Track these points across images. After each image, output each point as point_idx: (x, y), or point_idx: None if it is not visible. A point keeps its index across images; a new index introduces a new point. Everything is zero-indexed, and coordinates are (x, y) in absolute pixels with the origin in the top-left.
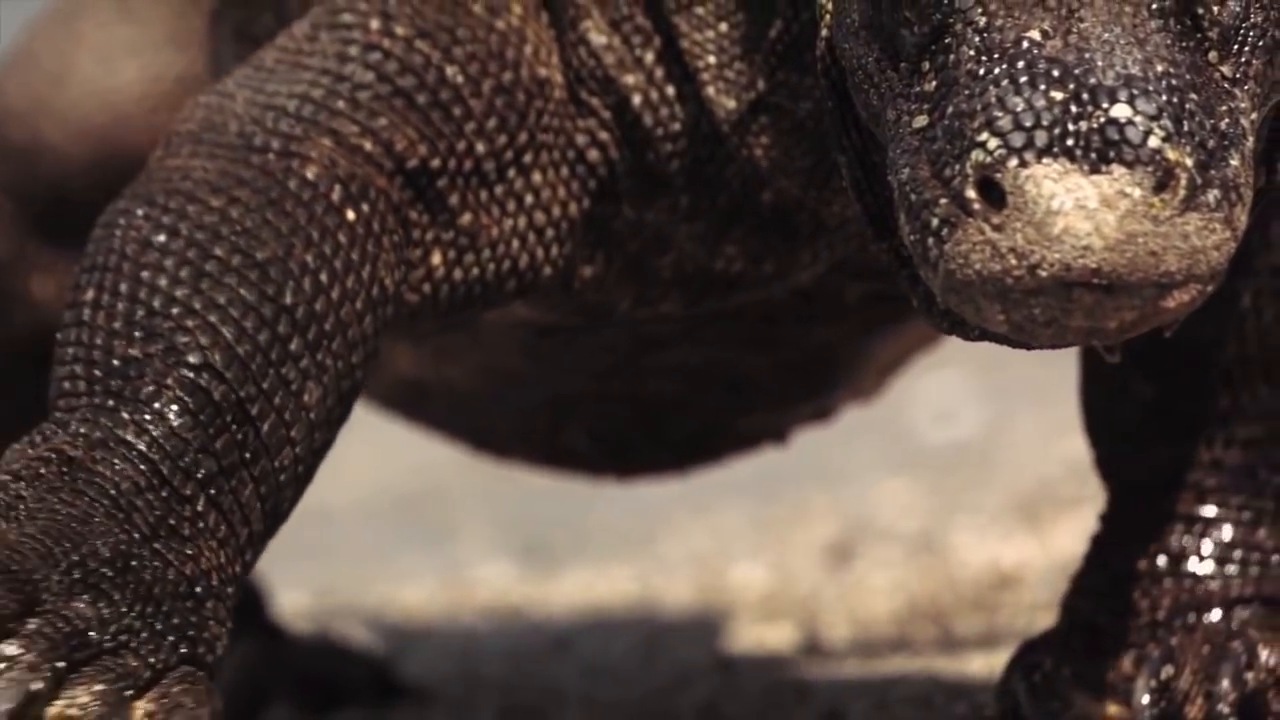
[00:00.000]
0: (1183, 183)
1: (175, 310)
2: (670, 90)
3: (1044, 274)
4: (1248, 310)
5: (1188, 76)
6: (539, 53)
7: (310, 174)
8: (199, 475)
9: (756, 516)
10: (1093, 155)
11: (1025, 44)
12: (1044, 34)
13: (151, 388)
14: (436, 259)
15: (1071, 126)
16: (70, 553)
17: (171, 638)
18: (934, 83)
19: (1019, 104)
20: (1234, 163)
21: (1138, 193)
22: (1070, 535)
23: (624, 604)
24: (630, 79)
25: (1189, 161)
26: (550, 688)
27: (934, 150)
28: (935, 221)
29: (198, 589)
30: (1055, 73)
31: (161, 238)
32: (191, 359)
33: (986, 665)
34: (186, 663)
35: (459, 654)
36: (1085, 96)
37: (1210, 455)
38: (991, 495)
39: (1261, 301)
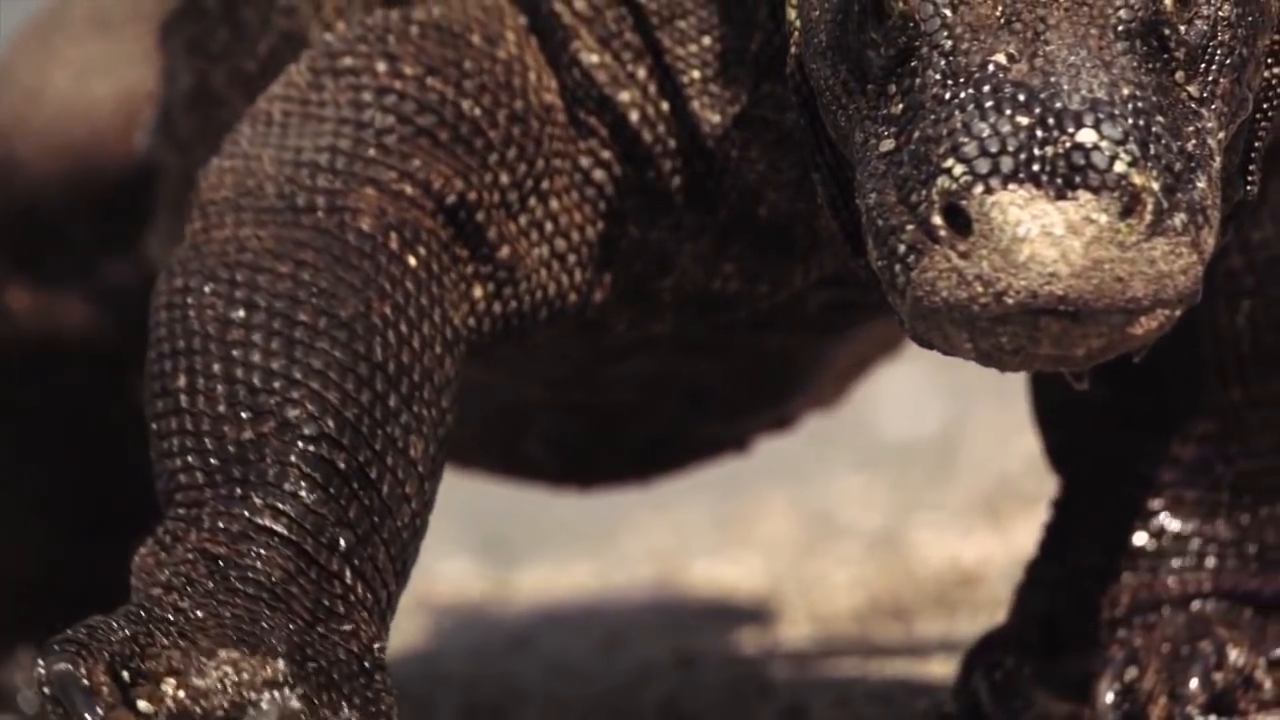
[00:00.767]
0: (1149, 207)
1: (277, 384)
2: (665, 106)
3: (1010, 301)
4: (1202, 309)
5: (1154, 98)
6: (541, 78)
7: (366, 226)
8: (341, 549)
9: (717, 513)
10: (1059, 181)
11: (991, 68)
12: (1010, 57)
13: (277, 468)
14: (479, 293)
15: (1037, 152)
16: (249, 657)
17: (358, 717)
18: (901, 106)
19: (984, 129)
20: (1201, 185)
21: (1104, 218)
22: (1031, 532)
23: (584, 600)
24: (625, 95)
25: (1155, 185)
26: (511, 685)
27: (900, 175)
28: (902, 248)
29: (366, 663)
30: (1021, 97)
31: (241, 312)
32: (308, 431)
33: (947, 662)
34: None
35: (419, 652)
36: (1051, 121)
37: (1165, 450)
38: (953, 492)
39: (1216, 302)
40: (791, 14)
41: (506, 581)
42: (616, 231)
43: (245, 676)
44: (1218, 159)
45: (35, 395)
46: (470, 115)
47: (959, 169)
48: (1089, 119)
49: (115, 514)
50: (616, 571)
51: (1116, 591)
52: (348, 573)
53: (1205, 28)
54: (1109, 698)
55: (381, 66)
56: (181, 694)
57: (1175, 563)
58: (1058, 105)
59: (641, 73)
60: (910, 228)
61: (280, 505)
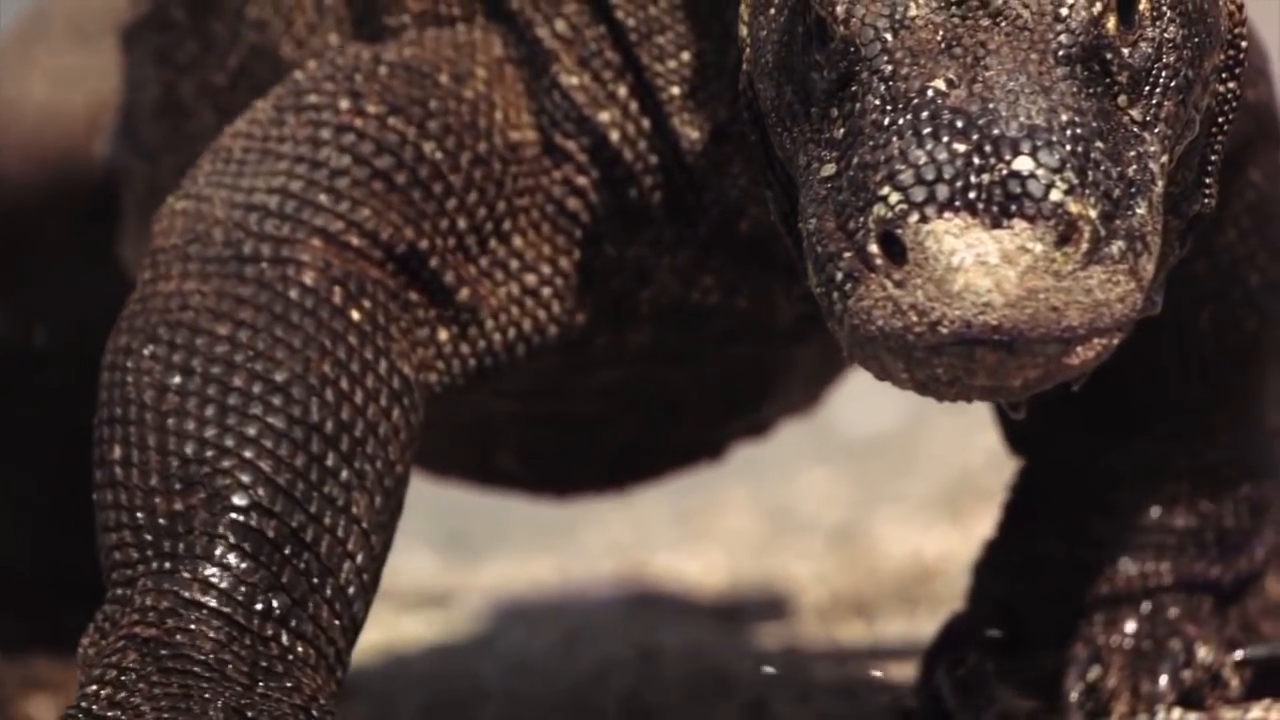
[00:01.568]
0: (1086, 236)
1: (210, 453)
2: (646, 123)
3: (945, 331)
4: (1167, 312)
5: (1094, 124)
6: (508, 116)
7: (309, 280)
8: (275, 614)
9: (678, 507)
10: (995, 209)
11: (930, 93)
12: (949, 83)
13: (205, 540)
14: (443, 335)
15: (974, 179)
16: None
17: None
18: (842, 130)
19: (921, 157)
20: (1140, 211)
21: (1039, 248)
22: (992, 526)
23: (545, 596)
24: (605, 116)
25: (1093, 213)
26: (472, 682)
27: (840, 201)
28: (839, 275)
29: (313, 713)
30: (959, 124)
31: (177, 379)
32: (237, 500)
33: (909, 656)
34: None
35: (379, 647)
36: (988, 149)
37: (1127, 442)
38: (914, 486)
39: (1181, 304)
40: (744, 30)
41: (467, 576)
42: (592, 254)
43: None
44: (1160, 183)
45: (12, 397)
46: (431, 158)
47: (895, 197)
48: (1026, 146)
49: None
50: (577, 566)
51: (1078, 583)
52: (284, 635)
53: (1150, 50)
54: (1074, 696)
55: (344, 104)
56: None
57: (1136, 554)
58: (995, 132)
59: (622, 91)
60: (847, 255)
61: (209, 577)
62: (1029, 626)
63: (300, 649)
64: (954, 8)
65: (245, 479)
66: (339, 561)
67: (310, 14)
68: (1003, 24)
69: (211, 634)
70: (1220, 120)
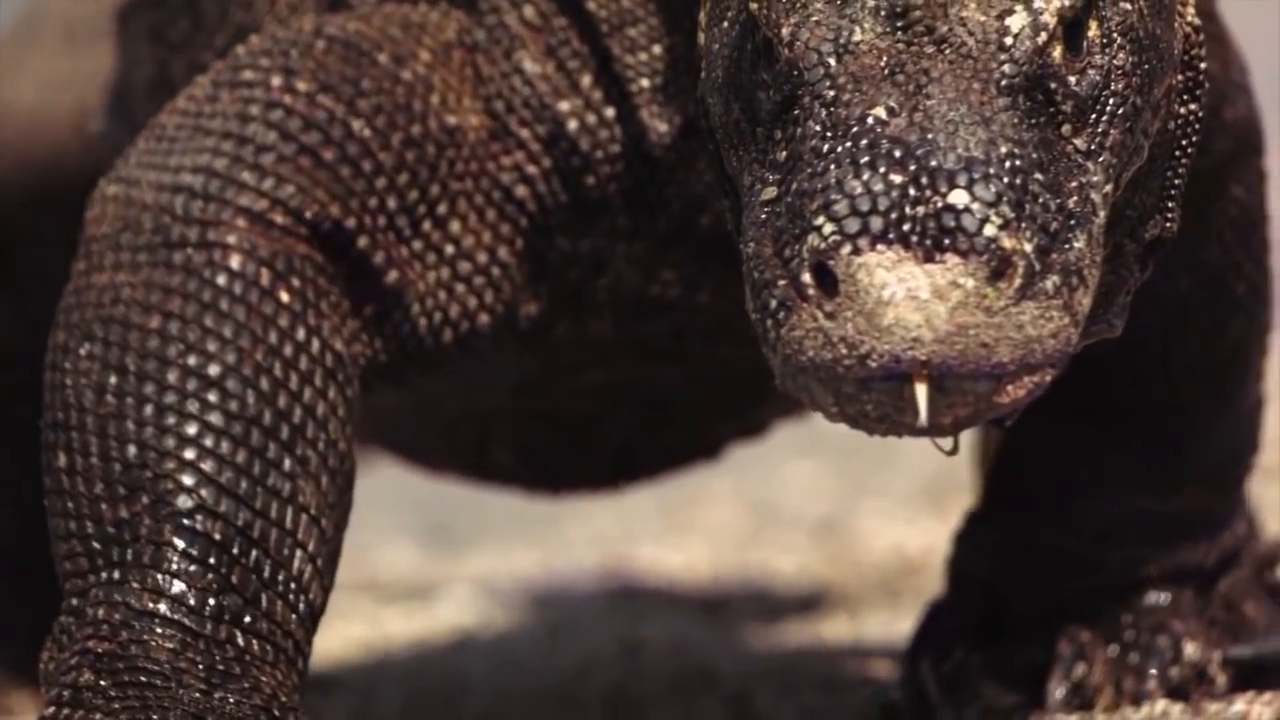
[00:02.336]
0: (1020, 271)
1: (150, 456)
2: (609, 113)
3: (874, 365)
4: (1153, 326)
5: (1034, 155)
6: (446, 100)
7: (235, 264)
8: (228, 615)
9: (661, 500)
10: (928, 243)
11: (870, 121)
12: (890, 111)
13: (152, 548)
14: (367, 312)
15: (908, 212)
16: None
17: None
18: (784, 153)
19: (857, 187)
20: (1078, 244)
21: (971, 283)
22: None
23: (528, 589)
24: (566, 105)
25: (1028, 248)
26: (455, 674)
27: (778, 227)
28: (774, 303)
29: (275, 712)
30: (896, 154)
31: (113, 379)
32: (181, 504)
33: (892, 649)
34: None
35: (361, 641)
36: (924, 180)
37: (1114, 440)
38: (897, 479)
39: (1168, 319)
40: (701, 39)
41: (450, 569)
42: (543, 244)
43: None
44: (1102, 214)
45: (9, 394)
46: (359, 136)
47: (829, 228)
48: (962, 179)
49: None
50: (560, 559)
51: (1063, 571)
52: (239, 635)
53: (1098, 78)
54: (1059, 694)
55: (276, 80)
56: None
57: (1122, 544)
58: (932, 164)
59: (586, 80)
60: (782, 283)
61: (159, 585)
62: (1012, 609)
63: (257, 647)
64: (899, 33)
65: (187, 481)
66: (290, 552)
67: None
68: (947, 51)
69: (166, 642)
70: (1183, 143)
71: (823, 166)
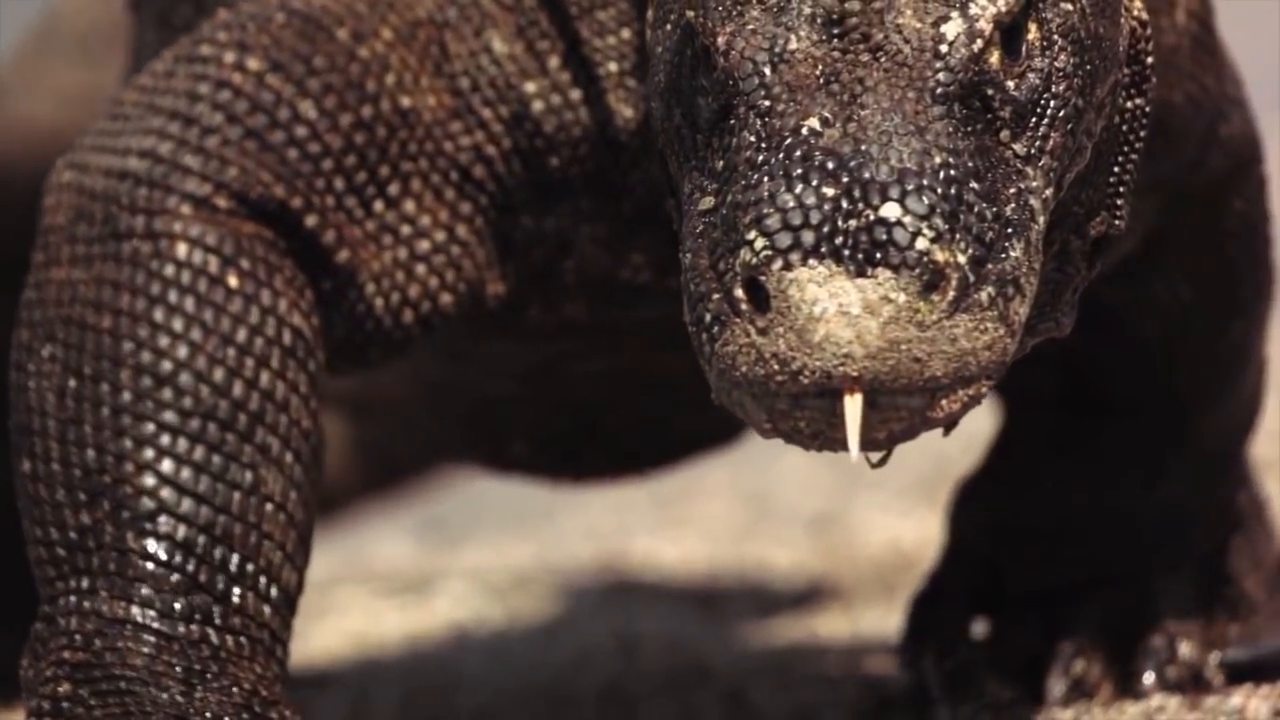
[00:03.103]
0: (953, 284)
1: (109, 460)
2: (575, 94)
3: (805, 381)
4: (1155, 333)
5: (970, 164)
6: (403, 80)
7: (181, 254)
8: (199, 615)
9: (656, 492)
10: (859, 257)
11: (804, 132)
12: (824, 121)
13: (116, 555)
14: (326, 286)
15: (840, 225)
16: None
17: None
18: (721, 163)
19: (789, 201)
20: (1015, 253)
21: (902, 298)
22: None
23: (523, 581)
24: (532, 86)
25: (961, 260)
26: (450, 669)
27: (713, 239)
28: (708, 317)
29: (256, 708)
30: (829, 165)
31: (72, 383)
32: (142, 507)
33: (888, 644)
34: None
35: (356, 635)
36: (857, 193)
37: (1115, 434)
38: (893, 473)
39: (1169, 326)
40: (649, 36)
41: (445, 563)
42: (507, 223)
43: None
44: (1042, 218)
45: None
46: (306, 118)
47: (760, 242)
48: (895, 191)
49: None
50: (556, 552)
51: (1065, 560)
52: (213, 633)
53: (1037, 81)
54: (1058, 691)
55: (229, 58)
56: None
57: (1123, 535)
58: (865, 176)
59: (554, 62)
60: (716, 297)
61: (126, 591)
62: (1009, 587)
63: (232, 643)
64: (835, 40)
65: (147, 483)
66: (257, 542)
67: None
68: (882, 59)
69: (141, 647)
70: (1130, 139)
71: (756, 179)
